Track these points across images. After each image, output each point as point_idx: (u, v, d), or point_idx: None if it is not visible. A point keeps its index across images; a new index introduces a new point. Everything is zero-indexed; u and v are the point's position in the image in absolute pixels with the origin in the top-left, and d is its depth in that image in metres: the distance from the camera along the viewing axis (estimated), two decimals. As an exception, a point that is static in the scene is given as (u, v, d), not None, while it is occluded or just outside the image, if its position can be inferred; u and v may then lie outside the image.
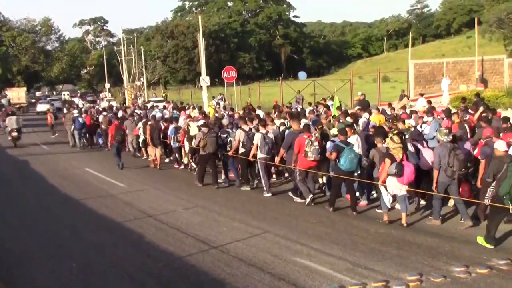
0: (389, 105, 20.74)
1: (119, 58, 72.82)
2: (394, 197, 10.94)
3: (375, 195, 12.69)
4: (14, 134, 27.49)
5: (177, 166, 19.14)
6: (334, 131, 13.56)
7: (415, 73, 38.90)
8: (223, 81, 38.85)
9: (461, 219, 10.45)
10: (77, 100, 61.31)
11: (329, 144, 12.41)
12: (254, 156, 14.07)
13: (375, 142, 11.65)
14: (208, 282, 7.84)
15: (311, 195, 12.67)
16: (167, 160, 20.50)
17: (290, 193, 13.57)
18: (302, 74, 47.96)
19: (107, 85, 79.89)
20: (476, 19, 47.49)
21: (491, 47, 64.15)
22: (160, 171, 18.75)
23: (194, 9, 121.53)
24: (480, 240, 9.15)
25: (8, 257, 9.41)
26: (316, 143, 12.45)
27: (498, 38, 64.42)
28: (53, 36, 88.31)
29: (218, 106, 32.27)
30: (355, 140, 12.30)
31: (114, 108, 34.21)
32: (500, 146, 9.59)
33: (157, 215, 12.05)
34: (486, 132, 11.64)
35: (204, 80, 38.89)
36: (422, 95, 26.53)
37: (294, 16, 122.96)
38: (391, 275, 7.83)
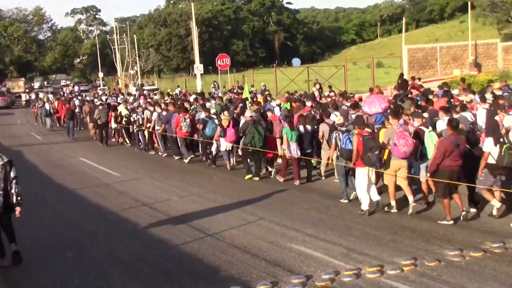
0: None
1: (112, 47, 72.49)
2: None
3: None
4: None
5: (113, 140, 23.34)
6: (212, 110, 18.13)
7: (408, 58, 38.85)
8: (217, 68, 38.76)
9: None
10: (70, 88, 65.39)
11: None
12: (153, 128, 18.92)
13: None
14: (204, 270, 7.86)
15: (189, 158, 17.29)
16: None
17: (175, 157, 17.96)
18: (296, 61, 47.94)
19: (101, 74, 79.56)
20: (469, 3, 47.38)
21: (485, 31, 64.07)
22: (153, 160, 18.80)
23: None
24: (247, 177, 14.17)
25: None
26: (188, 120, 16.88)
27: (492, 22, 64.33)
28: (45, 26, 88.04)
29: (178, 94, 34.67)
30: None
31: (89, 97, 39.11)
32: (247, 114, 14.86)
33: (152, 203, 12.06)
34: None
35: (198, 68, 38.79)
36: (419, 79, 27.27)
37: (287, 3, 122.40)
38: (385, 259, 7.87)
